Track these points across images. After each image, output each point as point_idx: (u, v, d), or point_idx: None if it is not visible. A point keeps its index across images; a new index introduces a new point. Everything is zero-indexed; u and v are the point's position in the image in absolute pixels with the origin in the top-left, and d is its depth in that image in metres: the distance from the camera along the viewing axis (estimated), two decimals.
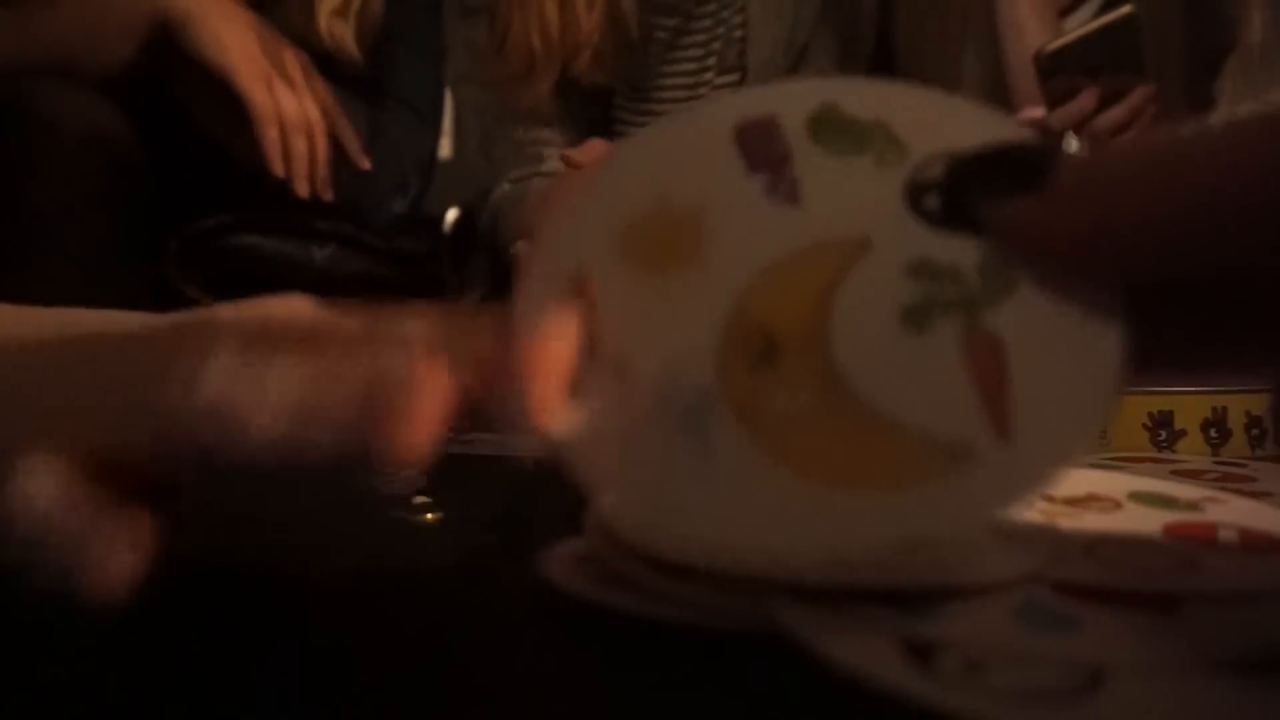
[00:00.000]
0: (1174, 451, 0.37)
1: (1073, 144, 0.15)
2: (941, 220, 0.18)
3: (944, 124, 0.19)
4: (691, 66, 0.77)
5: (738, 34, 0.76)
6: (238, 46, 0.63)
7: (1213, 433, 0.36)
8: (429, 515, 0.26)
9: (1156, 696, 0.14)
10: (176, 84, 0.65)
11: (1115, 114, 0.65)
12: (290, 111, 0.64)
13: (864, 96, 0.20)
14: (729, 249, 0.19)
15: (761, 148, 0.20)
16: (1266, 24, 0.68)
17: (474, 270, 0.72)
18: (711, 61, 0.77)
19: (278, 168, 0.64)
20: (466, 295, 0.72)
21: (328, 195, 0.67)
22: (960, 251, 0.17)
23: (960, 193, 0.18)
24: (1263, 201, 0.13)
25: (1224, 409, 0.36)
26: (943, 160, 0.18)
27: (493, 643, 0.17)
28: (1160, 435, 0.37)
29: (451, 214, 0.73)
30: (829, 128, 0.20)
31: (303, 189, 0.65)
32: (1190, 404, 0.37)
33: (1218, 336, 0.17)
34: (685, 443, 0.17)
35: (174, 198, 0.67)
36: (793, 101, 0.20)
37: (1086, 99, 0.65)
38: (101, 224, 0.63)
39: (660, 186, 0.20)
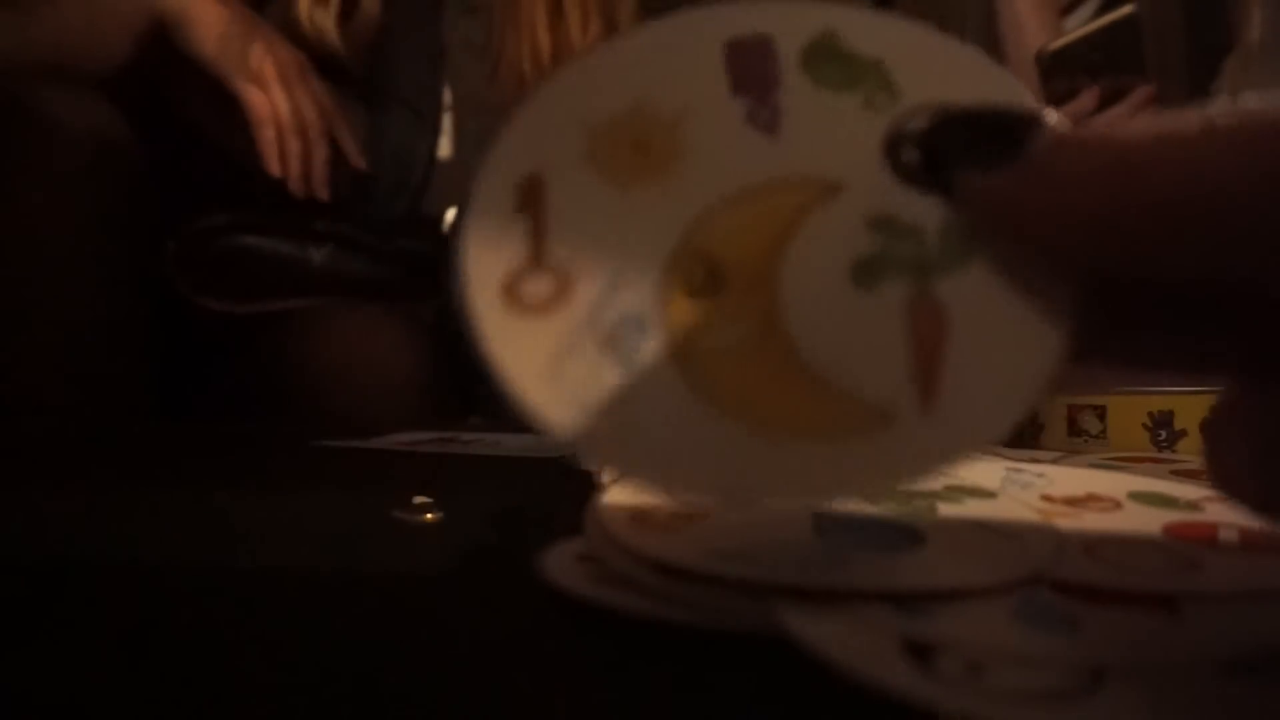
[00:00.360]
0: (1174, 451, 0.37)
1: (1056, 118, 0.15)
2: (915, 177, 0.18)
3: (943, 72, 0.19)
4: None
5: None
6: (234, 47, 0.63)
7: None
8: (429, 515, 0.26)
9: (1157, 697, 0.14)
10: (173, 84, 0.65)
11: (1115, 114, 0.65)
12: (286, 112, 0.64)
13: (868, 29, 0.19)
14: (697, 169, 0.18)
15: (750, 70, 0.19)
16: (1266, 24, 0.68)
17: None
18: None
19: (274, 168, 0.64)
20: None
21: (324, 195, 0.67)
22: (926, 212, 0.17)
23: (937, 151, 0.17)
24: (1233, 208, 0.13)
25: None
26: (928, 113, 0.18)
27: (493, 643, 0.17)
28: (1160, 435, 0.37)
29: (451, 214, 0.73)
30: (824, 58, 0.19)
31: (299, 189, 0.65)
32: (1190, 404, 0.37)
33: (1172, 338, 0.17)
34: (610, 359, 0.17)
35: (172, 198, 0.67)
36: (792, 22, 0.19)
37: (1087, 99, 0.65)
38: (99, 224, 0.63)
39: (639, 89, 0.19)
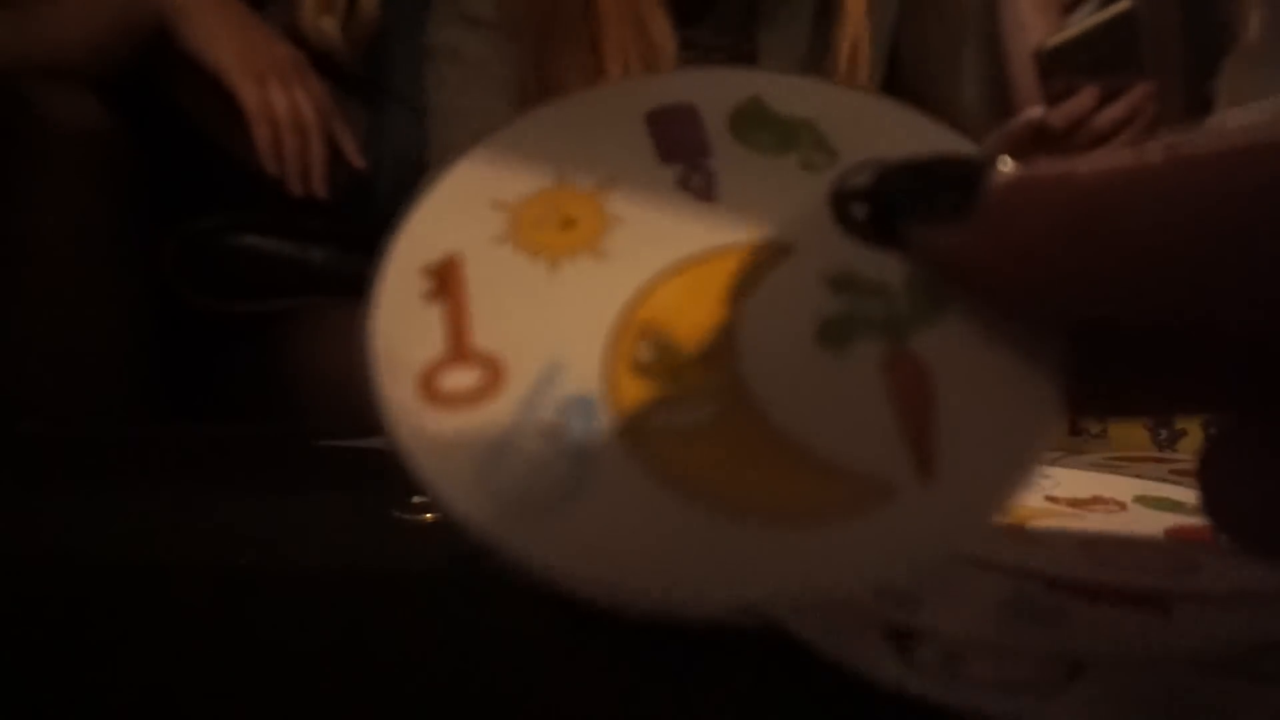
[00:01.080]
0: (1175, 451, 0.37)
1: (1007, 163, 0.14)
2: (868, 233, 0.16)
3: (876, 130, 0.18)
4: None
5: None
6: (231, 44, 0.63)
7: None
8: (429, 515, 0.26)
9: (1135, 690, 0.14)
10: (172, 82, 0.65)
11: (1114, 112, 0.65)
12: (283, 110, 0.64)
13: (792, 92, 0.18)
14: (631, 240, 0.16)
15: (676, 137, 0.18)
16: (1265, 24, 0.67)
17: None
18: None
19: (270, 166, 0.64)
20: None
21: (323, 194, 0.66)
22: (887, 267, 0.16)
23: (887, 205, 0.16)
24: (1209, 237, 0.12)
25: None
26: (871, 168, 0.17)
27: (493, 643, 0.17)
28: (1160, 434, 0.37)
29: None
30: (752, 123, 0.18)
31: (296, 188, 0.65)
32: None
33: (1153, 382, 0.17)
34: (555, 452, 0.14)
35: (171, 198, 0.67)
36: (714, 91, 0.18)
37: (1086, 97, 0.65)
38: (96, 224, 0.63)
39: (558, 164, 0.17)
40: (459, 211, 0.17)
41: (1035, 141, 0.68)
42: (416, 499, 0.27)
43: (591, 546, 0.13)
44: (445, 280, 0.16)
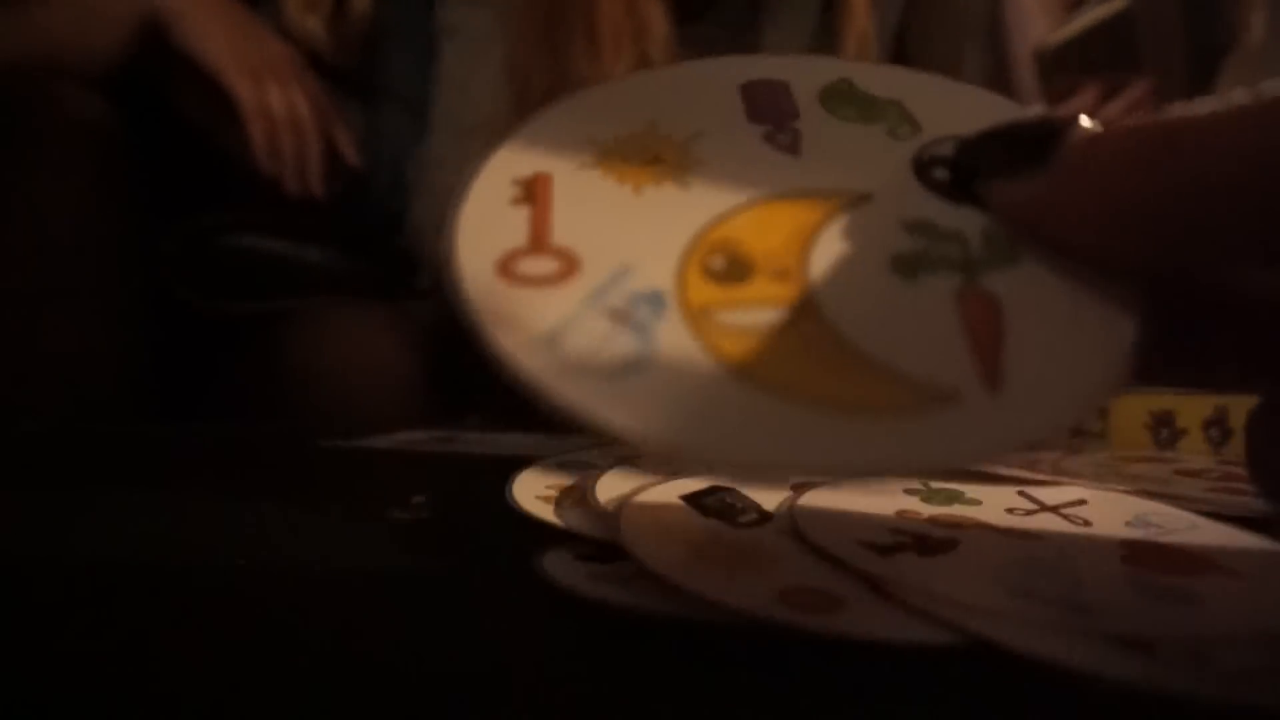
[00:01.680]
0: (1175, 450, 0.37)
1: (1087, 121, 0.15)
2: (948, 193, 0.17)
3: (959, 109, 0.18)
4: None
5: None
6: (226, 43, 0.63)
7: (1213, 432, 0.36)
8: (429, 515, 0.26)
9: None
10: (167, 81, 0.65)
11: (1114, 109, 0.65)
12: (278, 108, 0.64)
13: (881, 76, 0.19)
14: (714, 178, 0.17)
15: (767, 103, 0.19)
16: (1267, 24, 0.67)
17: None
18: None
19: (266, 165, 0.64)
20: None
21: (319, 193, 0.66)
22: (967, 220, 0.16)
23: (969, 169, 0.17)
24: (1259, 183, 0.13)
25: (1225, 408, 0.36)
26: (954, 139, 0.17)
27: (493, 643, 0.17)
28: (1161, 434, 0.37)
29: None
30: (842, 98, 0.19)
31: (293, 187, 0.65)
32: (1191, 403, 0.37)
33: (1222, 341, 0.17)
34: (621, 332, 0.15)
35: (167, 197, 0.67)
36: (807, 72, 0.19)
37: (1087, 95, 0.65)
38: (93, 223, 0.63)
39: (651, 113, 0.18)
40: (555, 139, 0.18)
41: None
42: (417, 499, 0.27)
43: (652, 412, 0.14)
44: (534, 190, 0.17)
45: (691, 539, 0.18)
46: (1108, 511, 0.23)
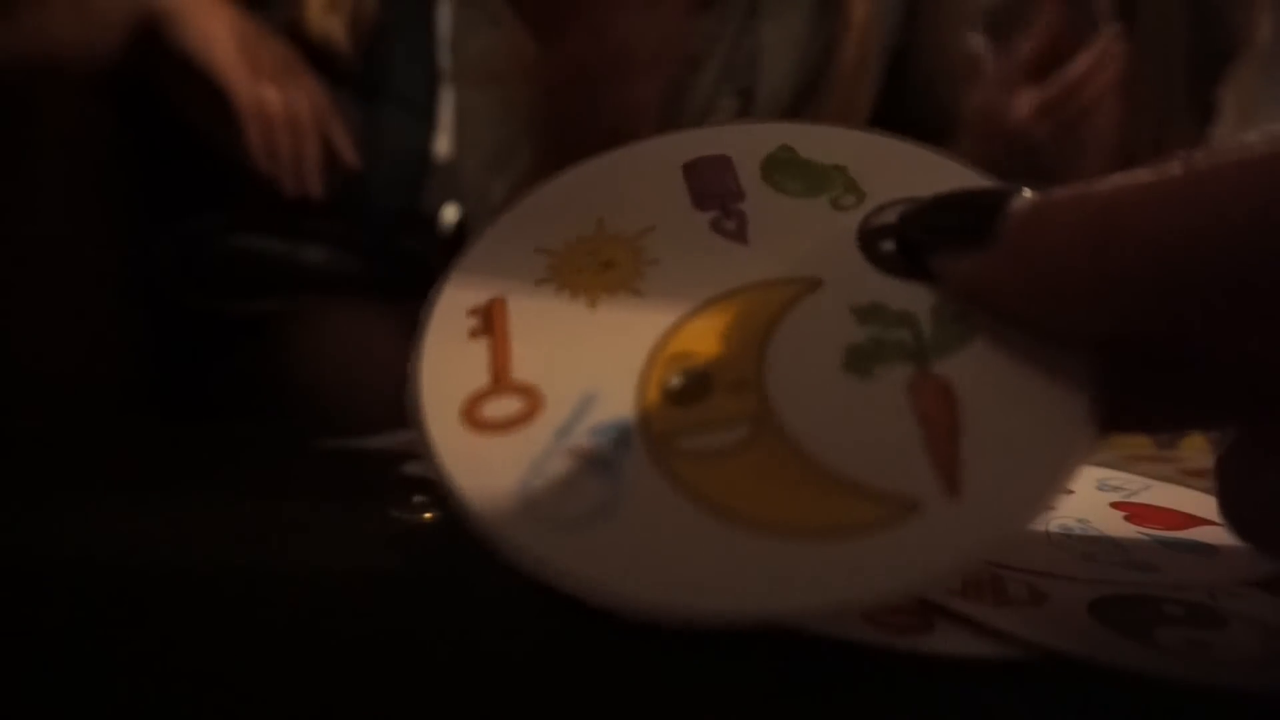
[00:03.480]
0: (1176, 450, 0.36)
1: (1027, 192, 0.15)
2: (895, 267, 0.17)
3: (904, 172, 0.18)
4: (706, 93, 0.76)
5: (749, 66, 0.75)
6: (223, 42, 0.62)
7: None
8: (428, 515, 0.26)
9: None
10: (164, 81, 0.65)
11: (1084, 61, 0.61)
12: (276, 108, 0.63)
13: (822, 140, 0.19)
14: (667, 279, 0.17)
15: (711, 184, 0.19)
16: (1275, 26, 0.67)
17: None
18: (725, 88, 0.76)
19: (264, 165, 0.64)
20: None
21: (317, 193, 0.66)
22: (913, 299, 0.16)
23: (914, 240, 0.17)
24: (1234, 248, 0.12)
25: None
26: (899, 206, 0.17)
27: (492, 643, 0.17)
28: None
29: (450, 212, 0.73)
30: (784, 170, 0.19)
31: (289, 186, 0.65)
32: None
33: (1180, 395, 0.17)
34: (588, 472, 0.15)
35: (165, 197, 0.67)
36: (747, 142, 0.19)
37: (1039, 34, 0.61)
38: (92, 223, 0.63)
39: (597, 211, 0.18)
40: (505, 257, 0.18)
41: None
42: (417, 499, 0.27)
43: (623, 562, 0.14)
44: (490, 319, 0.17)
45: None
46: (1075, 479, 0.23)
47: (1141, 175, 0.14)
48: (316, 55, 0.70)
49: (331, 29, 0.71)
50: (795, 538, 0.14)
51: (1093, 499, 0.23)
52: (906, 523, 0.14)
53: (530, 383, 0.16)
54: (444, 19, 0.80)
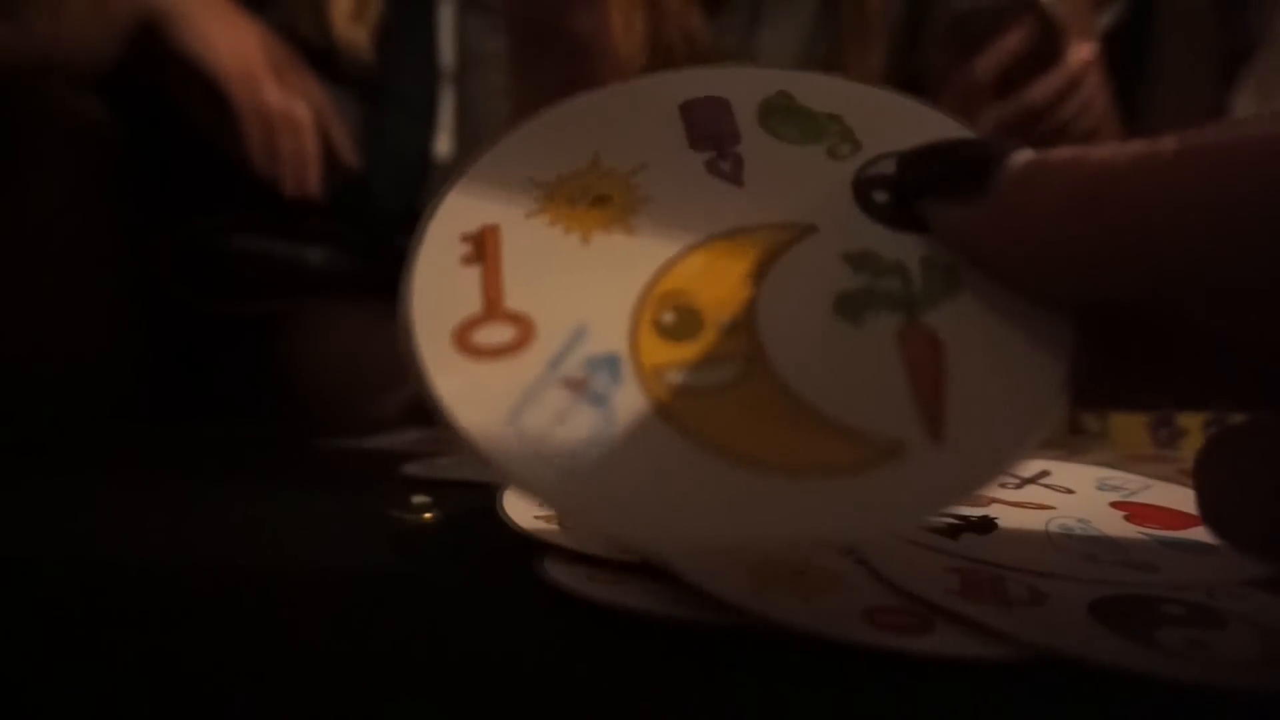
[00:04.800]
0: (1176, 450, 0.36)
1: (1023, 149, 0.15)
2: (889, 216, 0.17)
3: (901, 125, 0.18)
4: None
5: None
6: (223, 44, 0.62)
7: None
8: (428, 515, 0.26)
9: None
10: (164, 82, 0.65)
11: (1051, 83, 0.57)
12: (277, 109, 0.63)
13: (820, 89, 0.19)
14: (661, 217, 0.17)
15: (707, 126, 0.19)
16: None
17: None
18: None
19: (265, 166, 0.64)
20: None
21: (317, 194, 0.66)
22: (906, 248, 0.17)
23: (910, 185, 0.17)
24: (1195, 238, 0.13)
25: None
26: (893, 156, 0.18)
27: (493, 643, 0.17)
28: (1161, 434, 0.37)
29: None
30: (781, 115, 0.19)
31: (290, 188, 0.65)
32: None
33: (1169, 376, 0.17)
34: (579, 405, 0.15)
35: (165, 198, 0.67)
36: (746, 86, 0.19)
37: (1002, 46, 0.58)
38: (92, 223, 0.63)
39: (592, 145, 0.18)
40: (498, 187, 0.18)
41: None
42: (417, 499, 0.27)
43: (609, 488, 0.14)
44: (483, 246, 0.17)
45: (742, 559, 0.18)
46: (1075, 479, 0.24)
47: (1135, 146, 0.14)
48: (315, 56, 0.70)
49: (357, 37, 0.72)
50: (779, 473, 0.14)
51: (1093, 499, 0.23)
52: (888, 465, 0.14)
53: (523, 312, 0.16)
54: (445, 19, 0.80)
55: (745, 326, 0.16)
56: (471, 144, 0.78)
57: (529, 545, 0.20)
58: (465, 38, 0.77)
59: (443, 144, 0.83)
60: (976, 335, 0.15)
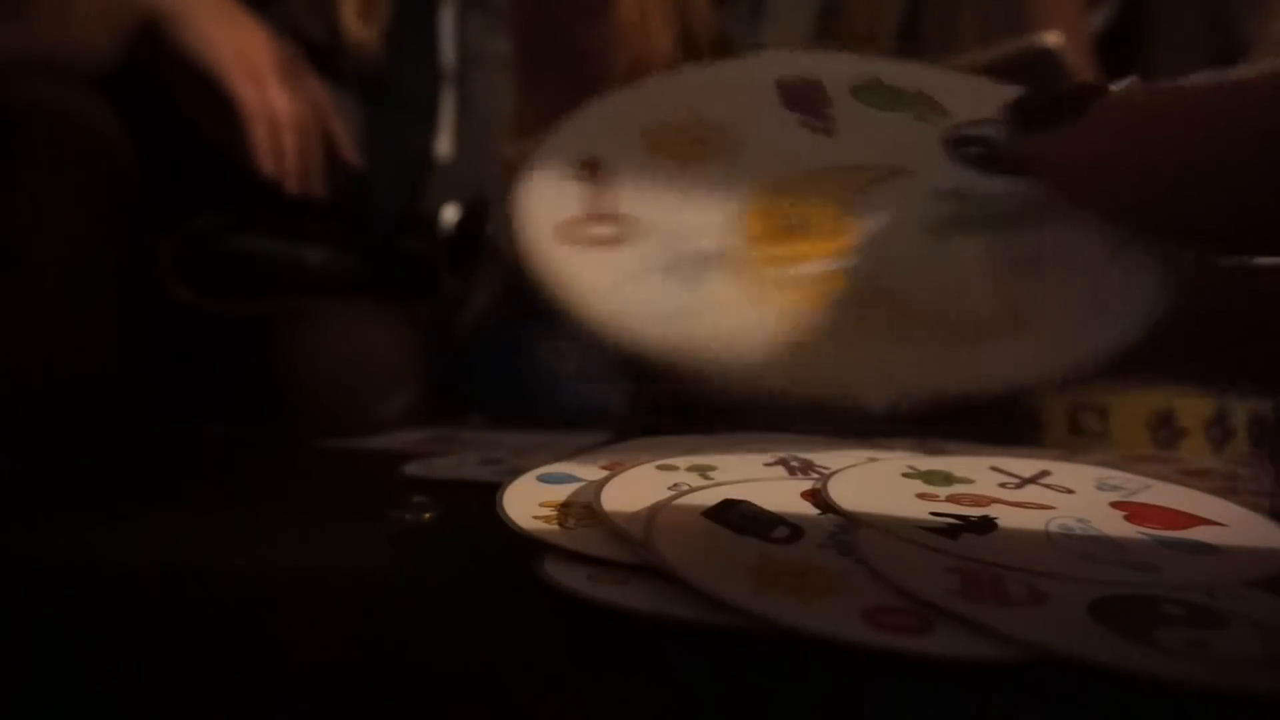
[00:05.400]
0: (1176, 450, 0.36)
1: (1117, 89, 0.16)
2: (979, 164, 0.18)
3: (986, 98, 0.19)
4: None
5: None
6: (225, 43, 0.62)
7: (1214, 432, 0.36)
8: (428, 515, 0.26)
9: None
10: (166, 82, 0.65)
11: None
12: (280, 109, 0.63)
13: (909, 72, 0.21)
14: (758, 155, 0.19)
15: (801, 94, 0.20)
16: None
17: (479, 271, 0.72)
18: None
19: (267, 166, 0.64)
20: (468, 296, 0.71)
21: (320, 194, 0.66)
22: (994, 188, 0.18)
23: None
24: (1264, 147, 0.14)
25: (1226, 409, 0.36)
26: (983, 121, 0.19)
27: (492, 643, 0.17)
28: (1161, 434, 0.37)
29: (450, 212, 0.73)
30: (871, 92, 0.20)
31: (293, 187, 0.65)
32: (1192, 404, 0.37)
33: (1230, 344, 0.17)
34: (678, 283, 0.16)
35: (167, 198, 0.67)
36: (837, 68, 0.21)
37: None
38: (93, 223, 0.63)
39: (693, 103, 0.20)
40: (604, 125, 0.20)
41: None
42: (417, 499, 0.27)
43: (706, 344, 0.15)
44: (590, 168, 0.19)
45: (741, 561, 0.18)
46: (1075, 479, 0.24)
47: (1199, 77, 0.15)
48: (317, 56, 0.70)
49: (367, 36, 0.72)
50: (857, 345, 0.16)
51: (1093, 499, 0.22)
52: (973, 344, 0.16)
53: (626, 214, 0.18)
54: (446, 19, 0.80)
55: (838, 238, 0.17)
56: (471, 144, 0.78)
57: (529, 545, 0.20)
58: (467, 37, 0.77)
59: (443, 144, 0.83)
60: (1063, 261, 0.16)
